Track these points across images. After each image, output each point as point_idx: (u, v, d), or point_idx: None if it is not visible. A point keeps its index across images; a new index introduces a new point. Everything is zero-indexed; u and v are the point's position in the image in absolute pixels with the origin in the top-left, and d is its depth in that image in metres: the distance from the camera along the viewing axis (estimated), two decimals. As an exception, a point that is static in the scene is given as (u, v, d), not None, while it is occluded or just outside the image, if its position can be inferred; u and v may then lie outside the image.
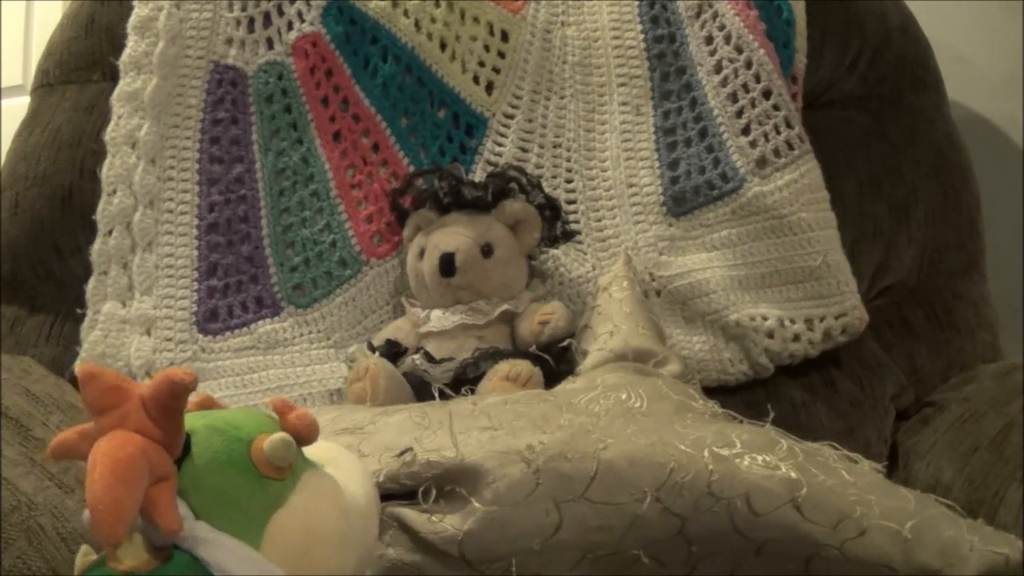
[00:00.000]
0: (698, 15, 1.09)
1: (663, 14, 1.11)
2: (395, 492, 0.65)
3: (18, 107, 1.29)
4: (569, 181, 1.09)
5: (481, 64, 1.10)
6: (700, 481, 0.62)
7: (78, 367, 0.50)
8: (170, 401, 0.48)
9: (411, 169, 1.07)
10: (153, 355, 1.00)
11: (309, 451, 0.56)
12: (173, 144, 1.07)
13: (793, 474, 0.63)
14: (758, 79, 1.04)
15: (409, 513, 0.63)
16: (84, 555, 0.50)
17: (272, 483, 0.52)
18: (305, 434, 0.54)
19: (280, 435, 0.52)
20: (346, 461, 0.60)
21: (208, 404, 0.56)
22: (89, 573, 0.50)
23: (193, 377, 0.48)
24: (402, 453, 0.65)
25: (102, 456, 0.46)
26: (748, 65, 1.05)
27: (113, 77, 1.09)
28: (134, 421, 0.48)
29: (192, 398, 0.53)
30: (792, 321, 1.00)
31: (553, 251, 1.04)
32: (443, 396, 0.81)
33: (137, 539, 0.49)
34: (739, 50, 1.05)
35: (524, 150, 1.09)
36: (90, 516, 0.45)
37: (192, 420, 0.52)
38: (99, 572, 0.49)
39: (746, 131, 1.04)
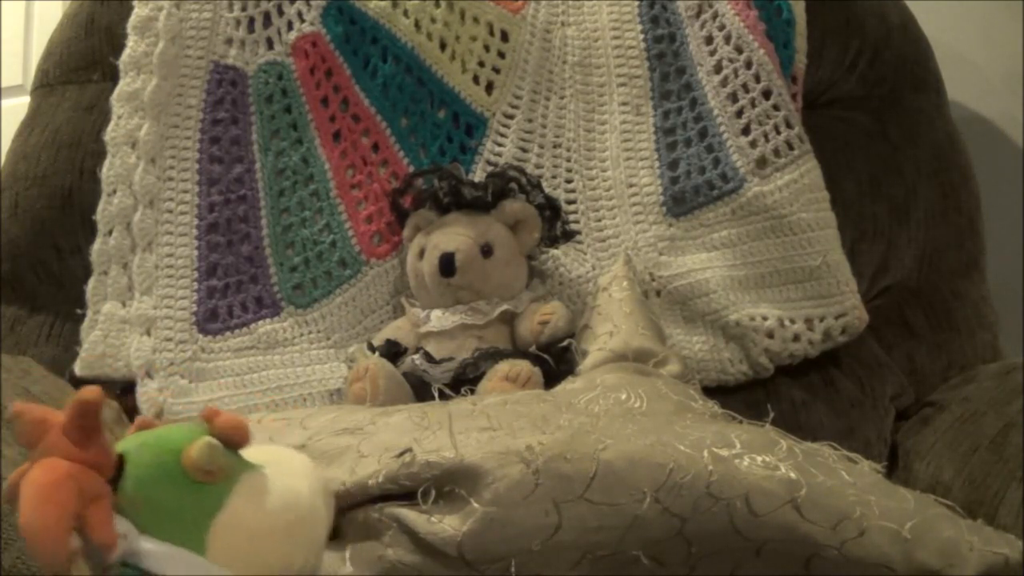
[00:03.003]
0: (698, 15, 1.09)
1: (663, 14, 1.11)
2: (394, 493, 0.65)
3: (18, 107, 1.29)
4: (569, 181, 1.09)
5: (481, 64, 1.10)
6: (699, 482, 0.62)
7: (11, 408, 0.51)
8: (84, 421, 0.49)
9: (411, 169, 1.07)
10: (153, 355, 1.00)
11: (250, 454, 0.57)
12: (173, 144, 1.07)
13: (793, 474, 0.63)
14: (758, 79, 1.04)
15: (408, 514, 0.63)
16: None
17: (208, 488, 0.53)
18: (234, 437, 0.55)
19: (204, 439, 0.53)
20: (288, 460, 0.61)
21: (146, 425, 0.57)
22: None
23: (98, 394, 0.50)
24: (401, 454, 0.65)
25: (28, 484, 0.47)
26: (748, 65, 1.05)
27: (113, 77, 1.09)
28: (60, 448, 0.49)
29: (104, 413, 0.54)
30: (792, 321, 1.00)
31: (553, 251, 1.04)
32: (443, 396, 0.81)
33: (81, 563, 0.50)
34: (739, 50, 1.05)
35: (524, 150, 1.09)
36: (27, 544, 0.46)
37: (126, 442, 0.53)
38: None
39: (746, 131, 1.04)
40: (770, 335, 0.99)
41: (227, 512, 0.53)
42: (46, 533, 0.46)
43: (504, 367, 0.88)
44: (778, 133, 1.04)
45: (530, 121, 1.10)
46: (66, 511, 0.47)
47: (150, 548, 0.50)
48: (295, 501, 0.57)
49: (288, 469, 0.59)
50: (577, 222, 1.07)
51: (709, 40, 1.08)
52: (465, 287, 0.96)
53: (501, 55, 1.11)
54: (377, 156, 1.08)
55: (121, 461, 0.52)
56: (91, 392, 0.49)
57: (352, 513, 0.65)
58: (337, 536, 0.64)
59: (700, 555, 0.62)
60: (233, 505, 0.53)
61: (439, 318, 0.96)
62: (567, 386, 0.84)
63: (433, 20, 1.09)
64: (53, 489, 0.47)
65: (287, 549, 0.55)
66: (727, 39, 1.06)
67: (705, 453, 0.64)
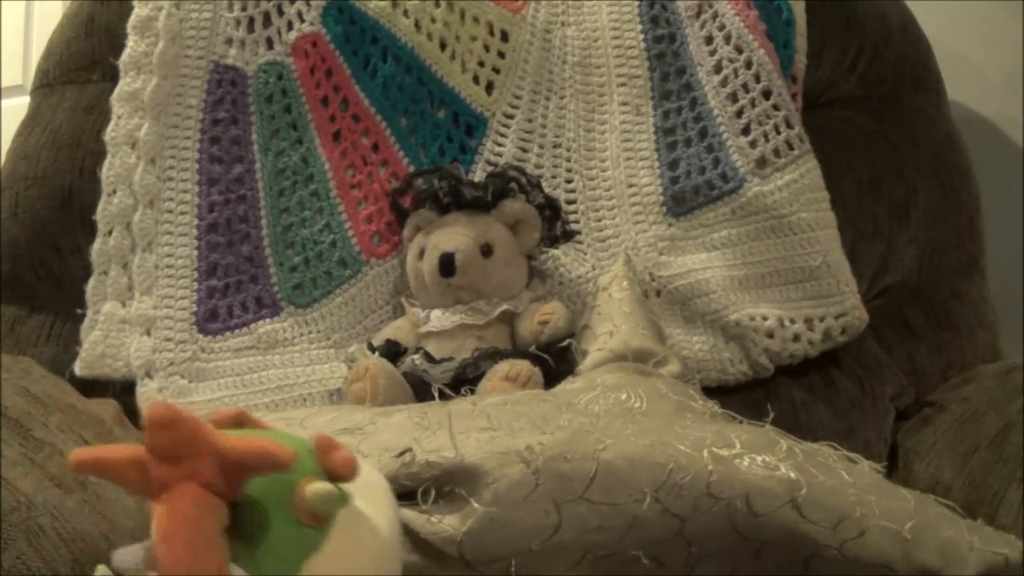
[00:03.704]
0: (698, 15, 1.09)
1: (663, 14, 1.11)
2: (394, 492, 0.65)
3: (18, 107, 1.29)
4: (569, 181, 1.09)
5: (481, 64, 1.10)
6: (699, 482, 0.62)
7: (150, 407, 0.46)
8: (261, 472, 0.47)
9: (411, 169, 1.07)
10: (153, 355, 1.00)
11: None
12: (173, 144, 1.07)
13: (793, 474, 0.63)
14: (758, 79, 1.04)
15: (408, 514, 0.63)
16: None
17: (309, 530, 0.50)
18: (344, 474, 0.52)
19: (326, 488, 0.50)
20: (373, 486, 0.58)
21: (242, 421, 0.54)
22: None
23: (291, 456, 0.46)
24: (401, 454, 0.65)
25: (181, 521, 0.45)
26: (748, 65, 1.05)
27: (113, 77, 1.09)
28: (204, 476, 0.46)
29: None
30: (792, 321, 1.00)
31: (553, 251, 1.04)
32: (443, 396, 0.81)
33: None
34: (739, 50, 1.05)
35: (524, 150, 1.09)
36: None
37: None
38: None
39: (746, 131, 1.04)
40: (770, 335, 0.99)
41: (321, 556, 0.51)
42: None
43: (504, 367, 0.88)
44: (778, 133, 1.04)
45: (530, 121, 1.10)
46: (212, 564, 0.45)
47: None
48: (382, 546, 0.55)
49: (374, 501, 0.56)
50: (577, 222, 1.07)
51: (709, 40, 1.08)
52: (465, 287, 0.96)
53: (501, 55, 1.11)
54: (377, 156, 1.08)
55: None
56: (286, 454, 0.46)
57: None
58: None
59: (700, 555, 0.62)
60: (328, 551, 0.51)
61: (439, 318, 0.96)
62: (567, 386, 0.84)
63: (433, 20, 1.09)
64: (208, 542, 0.45)
65: None
66: (727, 39, 1.06)
67: (705, 453, 0.64)
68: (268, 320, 1.04)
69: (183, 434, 0.46)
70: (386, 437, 0.69)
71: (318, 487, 0.50)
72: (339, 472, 0.52)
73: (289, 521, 0.50)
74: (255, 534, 0.49)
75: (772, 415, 0.75)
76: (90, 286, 1.03)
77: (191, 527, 0.44)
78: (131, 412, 0.94)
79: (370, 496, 0.57)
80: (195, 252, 1.04)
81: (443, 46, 1.09)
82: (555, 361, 0.92)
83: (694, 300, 1.01)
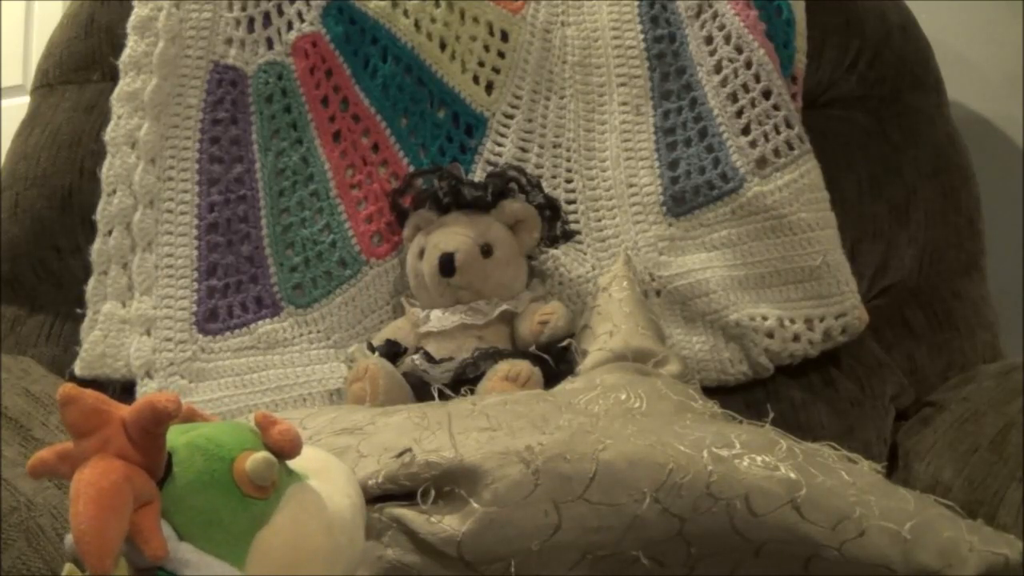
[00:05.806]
0: (698, 15, 1.09)
1: (663, 14, 1.11)
2: (394, 493, 0.65)
3: (18, 107, 1.30)
4: (569, 181, 1.09)
5: (481, 64, 1.10)
6: (699, 482, 0.62)
7: (60, 390, 0.49)
8: (152, 427, 0.48)
9: (411, 169, 1.07)
10: (153, 355, 1.00)
11: (294, 460, 0.56)
12: (173, 144, 1.07)
13: (792, 475, 0.63)
14: (758, 79, 1.04)
15: (408, 514, 0.63)
16: (69, 574, 0.50)
17: (255, 502, 0.51)
18: (288, 450, 0.54)
19: (262, 455, 0.51)
20: (331, 469, 0.60)
21: (190, 416, 0.56)
22: None
23: (176, 404, 0.48)
24: (401, 454, 0.65)
25: (86, 485, 0.46)
26: (748, 65, 1.05)
27: (113, 77, 1.09)
28: (116, 445, 0.48)
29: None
30: (792, 321, 1.00)
31: (553, 251, 1.04)
32: (442, 396, 0.81)
33: (122, 563, 0.49)
34: (739, 50, 1.05)
35: (524, 150, 1.09)
36: (77, 547, 0.45)
37: (173, 437, 0.52)
38: None
39: (746, 131, 1.04)
40: (770, 335, 0.99)
41: (271, 528, 0.52)
42: (100, 541, 0.45)
43: (504, 367, 0.88)
44: (778, 133, 1.04)
45: (530, 121, 1.10)
46: (121, 519, 0.46)
47: (189, 557, 0.49)
48: (338, 522, 0.56)
49: (332, 483, 0.57)
50: (577, 222, 1.07)
51: (709, 40, 1.08)
52: (465, 287, 0.96)
53: (501, 55, 1.11)
54: (377, 156, 1.08)
55: (167, 459, 0.51)
56: (169, 401, 0.48)
57: (352, 513, 0.65)
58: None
59: (700, 555, 0.62)
60: (278, 522, 0.52)
61: (439, 318, 0.96)
62: (567, 386, 0.84)
63: (433, 20, 1.09)
64: (111, 495, 0.46)
65: (327, 572, 0.54)
66: (727, 39, 1.06)
67: (705, 453, 0.64)
68: (268, 320, 1.04)
69: (86, 406, 0.48)
70: (386, 437, 0.69)
71: (255, 456, 0.51)
72: (281, 445, 0.53)
73: (235, 497, 0.51)
74: (205, 515, 0.51)
75: (772, 415, 0.76)
76: (90, 286, 1.03)
77: (93, 489, 0.46)
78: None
79: (329, 478, 0.58)
80: (195, 252, 1.05)
81: (443, 46, 1.09)
82: (555, 361, 0.92)
83: (694, 300, 1.01)
